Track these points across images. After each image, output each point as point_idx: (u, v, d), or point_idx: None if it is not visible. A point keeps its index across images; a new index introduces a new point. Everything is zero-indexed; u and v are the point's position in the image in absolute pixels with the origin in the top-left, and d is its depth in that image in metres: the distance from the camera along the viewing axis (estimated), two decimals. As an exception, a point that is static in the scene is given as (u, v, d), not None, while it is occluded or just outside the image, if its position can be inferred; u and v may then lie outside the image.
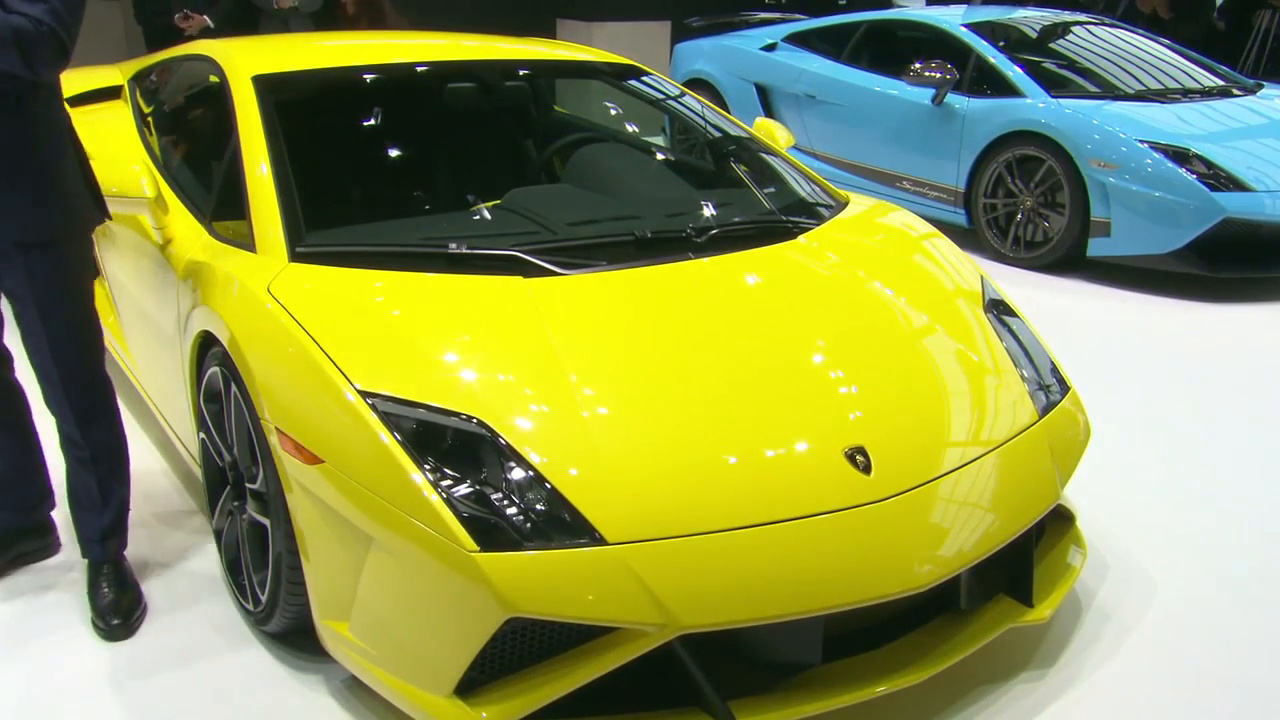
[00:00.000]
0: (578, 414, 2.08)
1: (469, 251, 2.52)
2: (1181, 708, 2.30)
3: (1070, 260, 5.50)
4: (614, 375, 2.20)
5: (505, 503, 1.94)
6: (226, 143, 2.92)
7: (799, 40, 7.17)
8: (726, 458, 2.07)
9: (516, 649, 1.97)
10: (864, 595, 1.98)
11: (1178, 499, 3.22)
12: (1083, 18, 7.04)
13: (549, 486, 1.96)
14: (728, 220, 2.88)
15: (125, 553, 2.65)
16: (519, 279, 2.42)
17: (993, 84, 5.94)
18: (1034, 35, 6.50)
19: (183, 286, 2.69)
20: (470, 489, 1.96)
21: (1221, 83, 6.24)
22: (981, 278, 2.87)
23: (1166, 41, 6.68)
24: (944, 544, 2.09)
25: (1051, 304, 5.08)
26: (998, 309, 2.75)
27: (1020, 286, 5.12)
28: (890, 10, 8.17)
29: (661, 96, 3.72)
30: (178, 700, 2.27)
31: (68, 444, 2.53)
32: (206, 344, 2.53)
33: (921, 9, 7.95)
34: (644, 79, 3.67)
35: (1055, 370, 2.65)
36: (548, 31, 10.19)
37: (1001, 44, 6.13)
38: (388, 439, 1.99)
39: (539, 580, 1.88)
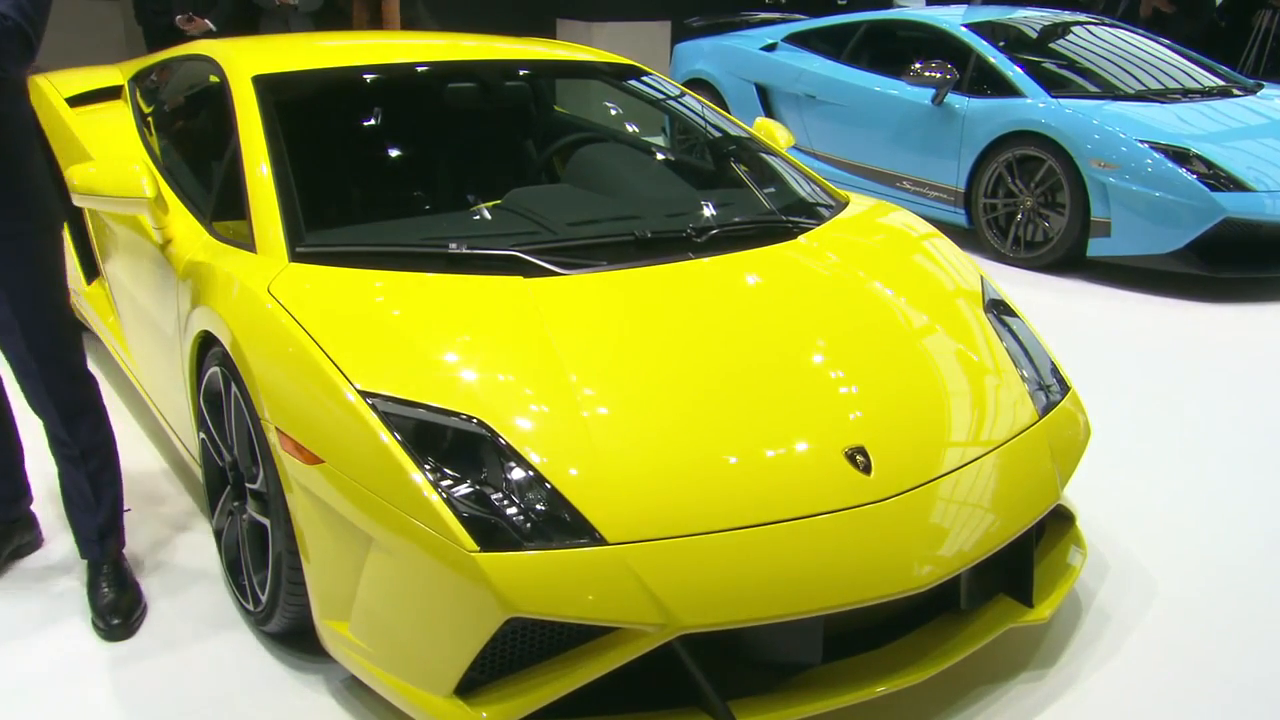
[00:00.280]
0: (578, 414, 2.08)
1: (469, 251, 2.52)
2: (1182, 707, 2.30)
3: (1070, 260, 5.50)
4: (614, 375, 2.20)
5: (505, 503, 1.94)
6: (226, 143, 2.92)
7: (799, 40, 7.17)
8: (726, 458, 2.07)
9: (516, 649, 1.97)
10: (864, 595, 1.98)
11: (1178, 499, 3.22)
12: (1083, 18, 7.04)
13: (549, 486, 1.96)
14: (728, 220, 2.88)
15: (125, 552, 2.65)
16: (519, 279, 2.42)
17: (993, 84, 5.94)
18: (1034, 35, 6.50)
19: (183, 286, 2.69)
20: (470, 489, 1.96)
21: (1222, 83, 6.24)
22: (981, 278, 2.87)
23: (1166, 41, 6.68)
24: (944, 544, 2.09)
25: (1051, 304, 5.08)
26: (998, 309, 2.75)
27: (1020, 286, 5.12)
28: (890, 10, 8.17)
29: (661, 96, 3.72)
30: (177, 700, 2.27)
31: (56, 443, 2.52)
32: (206, 344, 2.53)
33: (921, 9, 7.95)
34: (644, 79, 3.67)
35: (1055, 370, 2.65)
36: (548, 31, 10.19)
37: (1001, 44, 6.13)
38: (388, 439, 1.99)
39: (539, 580, 1.88)
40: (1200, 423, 3.79)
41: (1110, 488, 3.18)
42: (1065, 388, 2.60)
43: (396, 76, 3.41)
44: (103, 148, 3.54)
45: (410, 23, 6.13)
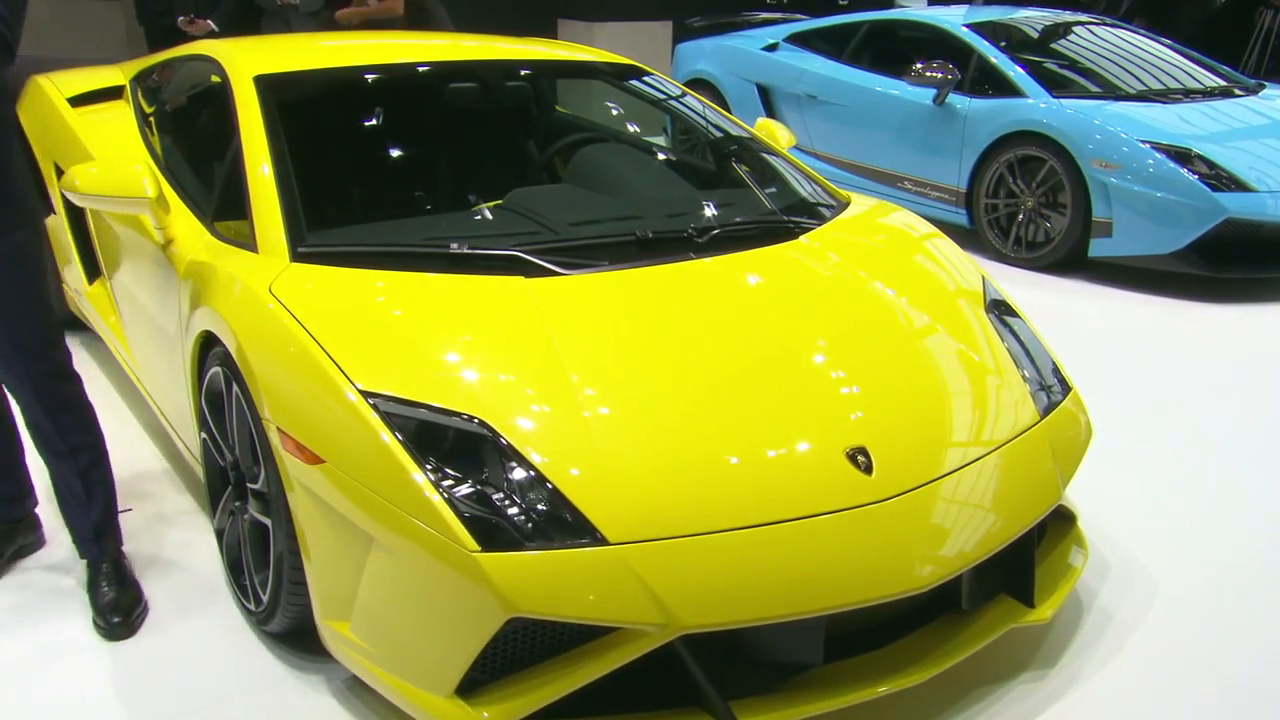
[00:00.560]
0: (579, 414, 2.08)
1: (470, 251, 2.52)
2: (1183, 707, 2.30)
3: (1072, 260, 5.50)
4: (615, 375, 2.20)
5: (506, 503, 1.94)
6: (228, 143, 2.92)
7: (800, 40, 7.17)
8: (728, 458, 2.07)
9: (518, 649, 1.97)
10: (865, 595, 1.98)
11: (1180, 499, 3.22)
12: (1084, 18, 7.04)
13: (550, 486, 1.96)
14: (729, 220, 2.88)
15: (125, 549, 2.65)
16: (520, 279, 2.42)
17: (994, 84, 5.94)
18: (1035, 35, 6.50)
19: (184, 286, 2.69)
20: (471, 489, 1.96)
21: (1223, 83, 6.24)
22: (983, 278, 2.87)
23: (1168, 42, 6.68)
24: (945, 544, 2.09)
25: (1053, 304, 5.08)
26: (999, 309, 2.75)
27: (1021, 287, 5.12)
28: (892, 10, 8.16)
29: (663, 97, 3.72)
30: (179, 701, 2.27)
31: (44, 443, 2.52)
32: (208, 344, 2.53)
33: (923, 9, 7.95)
34: (645, 79, 3.67)
35: (1056, 370, 2.65)
36: (549, 31, 10.19)
37: (1003, 44, 6.13)
38: (389, 439, 1.99)
39: (540, 580, 1.87)
40: (1202, 423, 3.79)
41: (1111, 488, 3.18)
42: (1066, 388, 2.60)
43: (398, 76, 3.41)
44: (104, 148, 3.54)
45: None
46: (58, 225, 3.74)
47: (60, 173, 3.57)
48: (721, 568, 1.93)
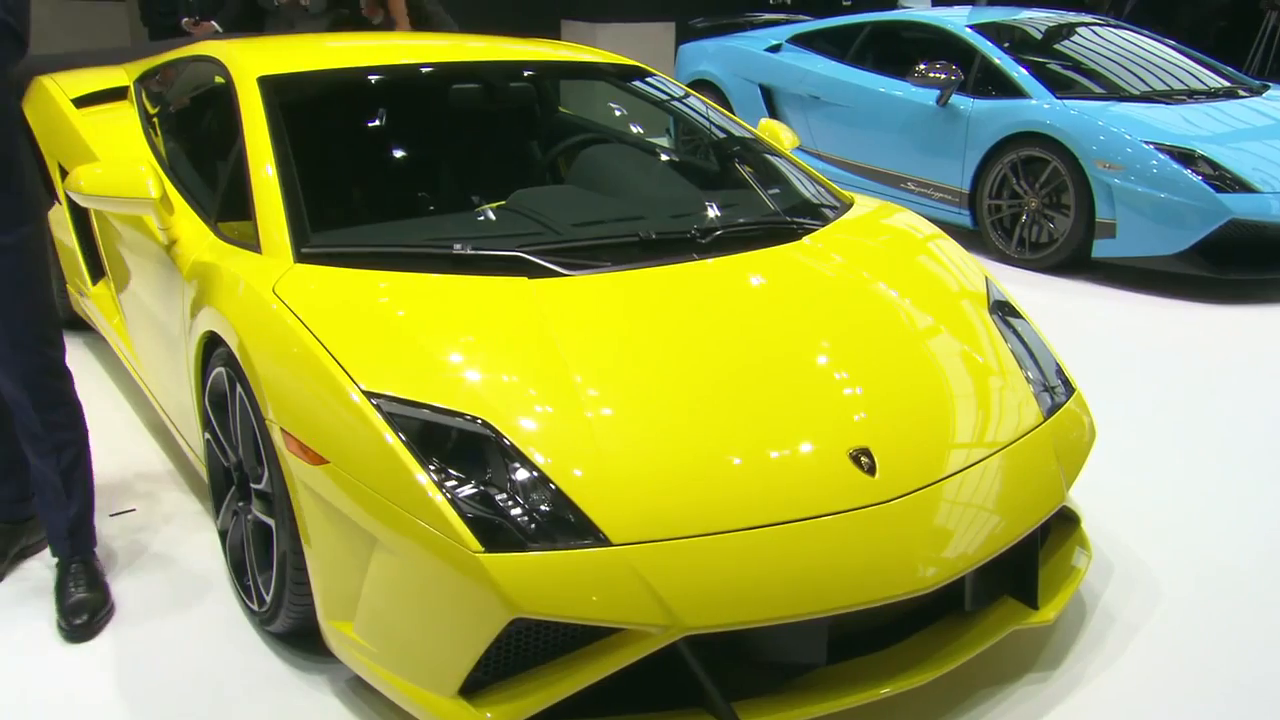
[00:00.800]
0: (582, 415, 2.08)
1: (474, 252, 2.52)
2: (1187, 709, 2.30)
3: (1075, 262, 5.49)
4: (618, 376, 2.20)
5: (509, 503, 1.94)
6: (232, 143, 2.93)
7: (803, 41, 7.17)
8: (731, 459, 2.07)
9: (521, 650, 1.97)
10: (869, 596, 1.98)
11: (1183, 501, 3.21)
12: (1088, 19, 7.04)
13: (553, 487, 1.96)
14: (732, 221, 2.88)
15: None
16: (524, 280, 2.43)
17: (998, 85, 5.93)
18: (1039, 36, 6.49)
19: (188, 287, 2.70)
20: (474, 489, 1.96)
21: (1227, 84, 6.23)
22: (986, 279, 2.87)
23: (1172, 43, 6.67)
24: (949, 545, 2.08)
25: (1056, 305, 5.08)
26: (1002, 310, 2.75)
27: (1025, 288, 5.11)
28: (895, 11, 8.16)
29: (666, 97, 3.72)
30: (181, 701, 2.27)
31: (29, 438, 2.51)
32: (212, 344, 2.53)
33: (926, 10, 7.95)
34: (648, 80, 3.67)
35: (1060, 372, 2.65)
36: (552, 32, 10.19)
37: (1006, 45, 6.13)
38: (392, 439, 1.99)
39: (543, 581, 1.88)
40: (1206, 424, 3.78)
41: (1115, 489, 3.17)
42: (1070, 389, 2.60)
43: (401, 77, 3.41)
44: (108, 148, 3.55)
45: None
46: (61, 227, 3.75)
47: (65, 173, 3.57)
48: (725, 569, 1.93)
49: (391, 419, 2.02)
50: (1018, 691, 2.31)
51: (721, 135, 3.65)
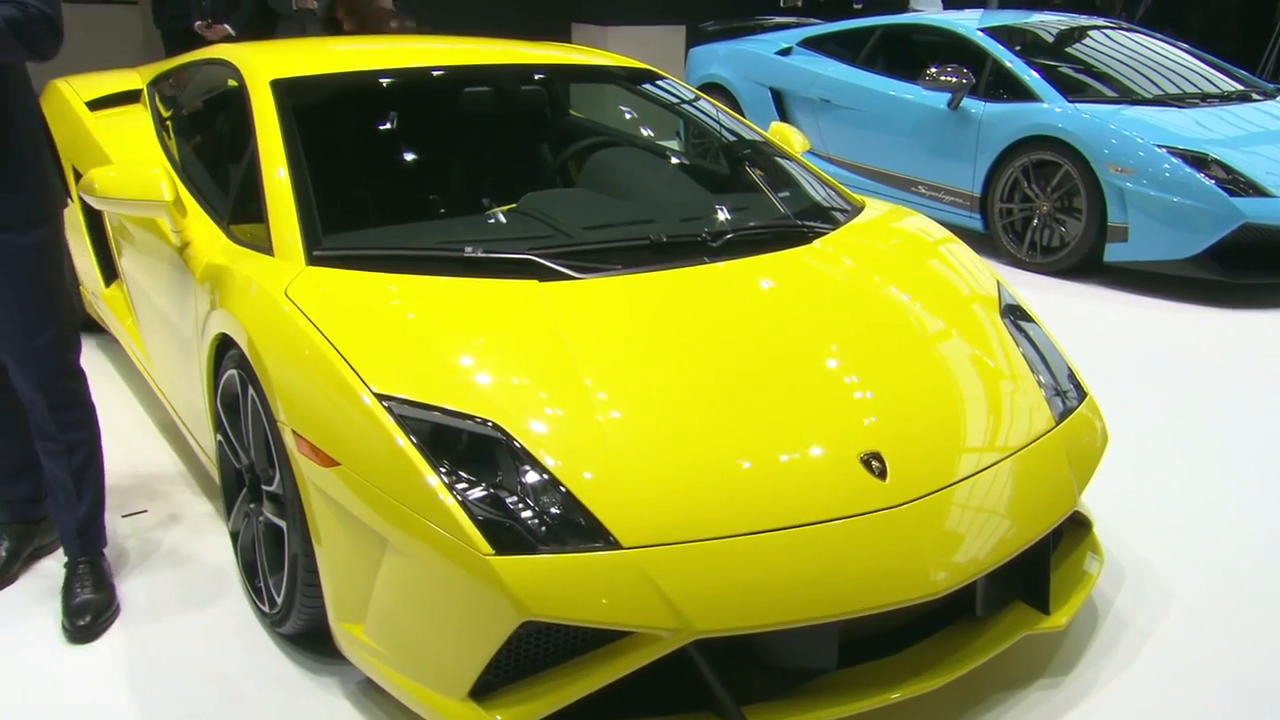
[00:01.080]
0: (592, 418, 2.08)
1: (484, 255, 2.53)
2: (1199, 714, 2.29)
3: (1087, 266, 5.48)
4: (629, 379, 2.20)
5: (520, 506, 1.94)
6: (244, 146, 2.94)
7: (814, 45, 7.16)
8: (741, 462, 2.07)
9: (531, 652, 1.97)
10: (879, 601, 1.98)
11: (1195, 505, 3.20)
12: (1100, 22, 7.01)
13: (564, 490, 1.96)
14: (743, 225, 2.88)
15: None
16: (534, 282, 2.43)
17: (1009, 88, 5.92)
18: (1051, 40, 6.47)
19: (200, 289, 2.71)
20: (485, 492, 1.96)
21: (1240, 87, 6.20)
22: (998, 283, 2.86)
23: (1185, 46, 6.64)
24: (960, 550, 2.08)
25: (1068, 309, 5.06)
26: (1014, 314, 2.74)
27: (1036, 292, 5.10)
28: (906, 15, 8.15)
29: (676, 101, 3.73)
30: (192, 702, 2.28)
31: (41, 438, 2.53)
32: (224, 346, 2.54)
33: (938, 13, 7.93)
34: (659, 83, 3.67)
35: (1072, 376, 2.64)
36: (563, 36, 10.21)
37: (1018, 48, 6.12)
38: (403, 442, 2.00)
39: (553, 584, 1.88)
40: (1220, 428, 3.76)
41: (1128, 494, 3.16)
42: (1082, 393, 2.59)
43: (413, 81, 3.42)
44: (122, 151, 3.57)
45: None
46: (74, 229, 3.77)
47: (79, 176, 3.59)
48: (735, 572, 1.93)
49: (403, 421, 2.03)
50: (1030, 697, 2.31)
51: (732, 138, 3.65)
